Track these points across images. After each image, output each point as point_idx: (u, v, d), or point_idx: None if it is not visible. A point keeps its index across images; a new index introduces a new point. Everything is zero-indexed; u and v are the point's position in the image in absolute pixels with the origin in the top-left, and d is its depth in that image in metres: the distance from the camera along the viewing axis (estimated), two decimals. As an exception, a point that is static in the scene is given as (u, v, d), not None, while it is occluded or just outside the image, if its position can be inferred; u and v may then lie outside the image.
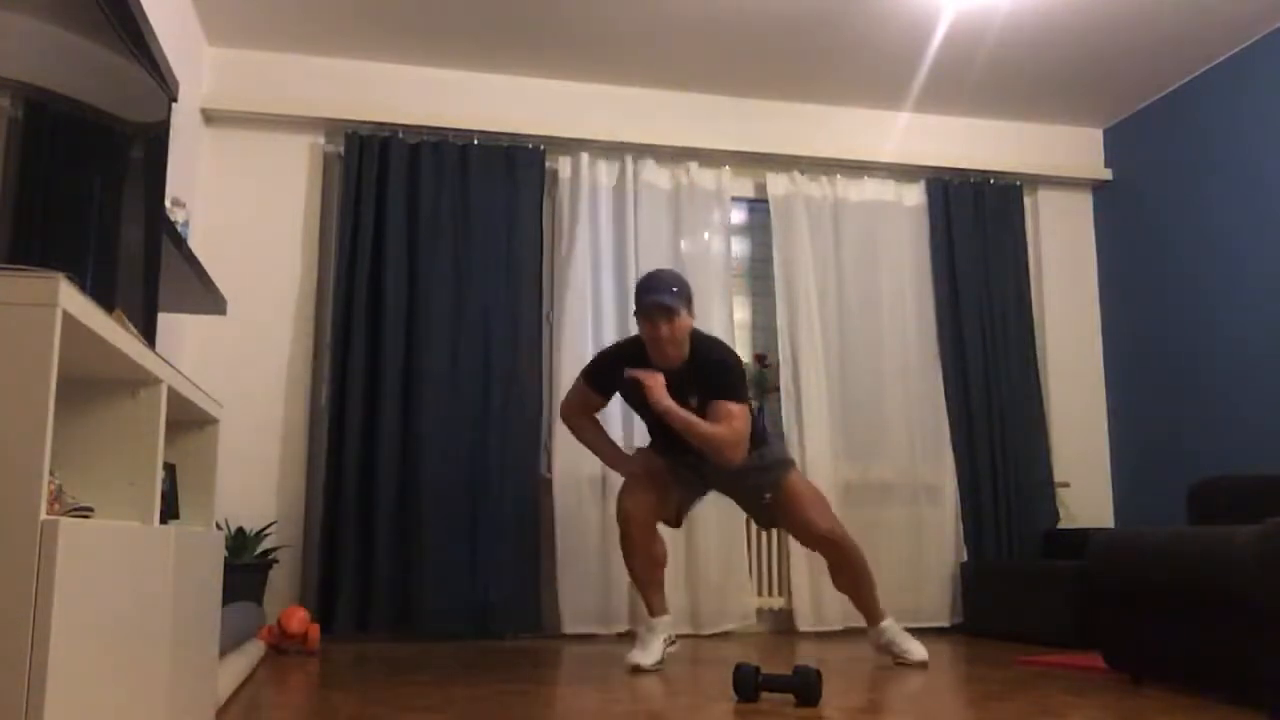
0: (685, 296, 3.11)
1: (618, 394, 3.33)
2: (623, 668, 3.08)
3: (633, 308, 3.17)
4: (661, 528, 3.31)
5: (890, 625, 3.30)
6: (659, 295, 3.04)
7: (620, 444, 3.71)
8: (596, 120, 4.49)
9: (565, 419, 3.42)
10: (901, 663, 3.22)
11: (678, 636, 4.07)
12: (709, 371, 3.13)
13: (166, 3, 3.50)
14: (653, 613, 3.22)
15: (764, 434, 3.31)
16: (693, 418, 3.06)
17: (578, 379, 3.36)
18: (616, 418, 4.10)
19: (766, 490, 3.26)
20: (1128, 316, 4.77)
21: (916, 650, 3.22)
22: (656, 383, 3.07)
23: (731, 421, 3.04)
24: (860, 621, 4.30)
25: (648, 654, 3.09)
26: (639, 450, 3.44)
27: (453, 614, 3.94)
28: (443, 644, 3.82)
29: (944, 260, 4.67)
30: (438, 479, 4.00)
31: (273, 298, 4.17)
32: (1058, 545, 4.39)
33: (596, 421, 3.42)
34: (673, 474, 3.29)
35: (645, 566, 3.22)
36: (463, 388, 4.10)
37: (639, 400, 3.20)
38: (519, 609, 4.00)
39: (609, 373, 3.25)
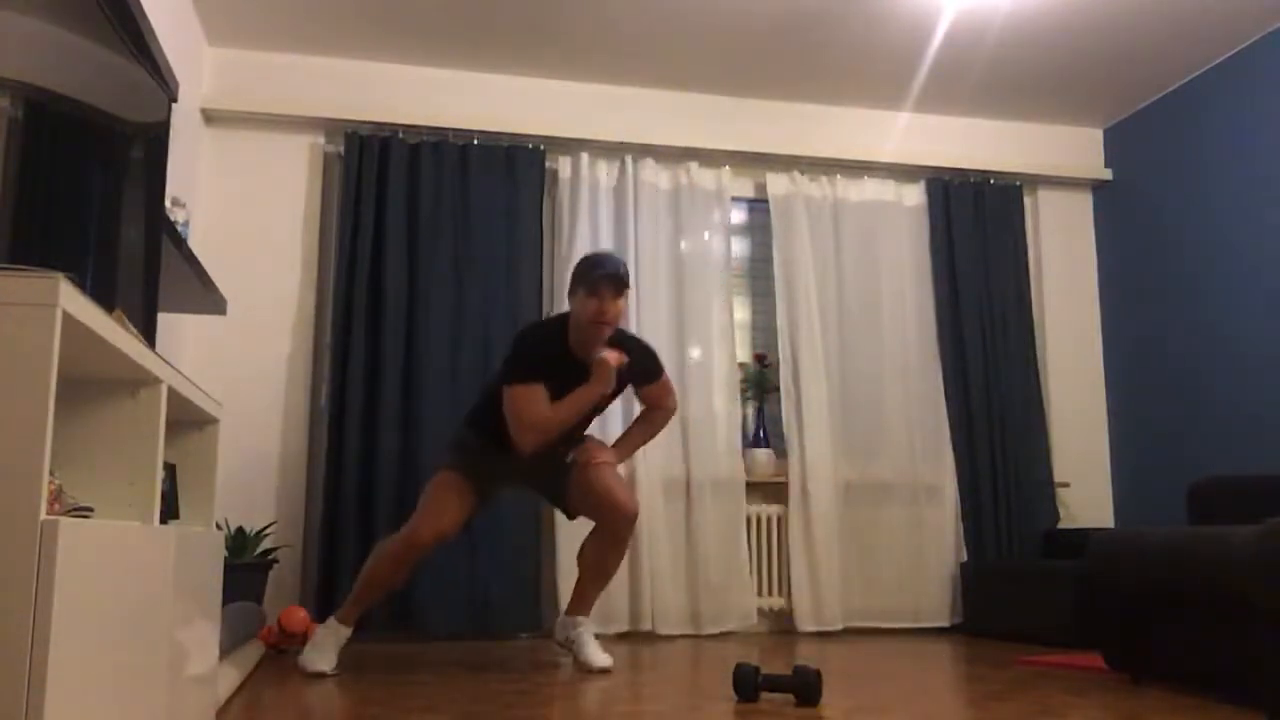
0: (628, 280, 3.03)
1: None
2: (625, 667, 3.08)
3: (568, 288, 3.04)
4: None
5: (587, 623, 3.17)
6: (612, 269, 2.96)
7: (606, 438, 3.64)
8: (596, 120, 4.49)
9: (539, 426, 2.97)
10: (578, 664, 3.10)
11: (667, 638, 4.06)
12: (639, 356, 3.14)
13: (166, 3, 3.50)
14: (346, 620, 3.07)
15: None
16: (648, 438, 3.30)
17: (522, 388, 2.97)
18: (617, 415, 4.10)
19: (570, 456, 3.15)
20: (1128, 316, 4.77)
21: (597, 657, 3.07)
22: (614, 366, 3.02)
23: (673, 392, 3.30)
24: (862, 622, 4.33)
25: (325, 658, 2.97)
26: (456, 461, 3.14)
27: (453, 614, 3.94)
28: (443, 644, 3.82)
29: (944, 260, 4.67)
30: (438, 479, 4.00)
31: (273, 298, 4.17)
32: (1058, 545, 4.39)
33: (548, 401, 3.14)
34: (491, 478, 3.15)
35: (389, 585, 3.08)
36: (462, 388, 4.10)
37: (560, 388, 3.01)
38: (519, 609, 4.00)
39: (539, 361, 3.03)
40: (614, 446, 3.24)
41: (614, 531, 3.07)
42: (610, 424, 4.01)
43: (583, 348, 3.03)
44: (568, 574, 4.07)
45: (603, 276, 2.94)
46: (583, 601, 3.20)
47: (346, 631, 3.08)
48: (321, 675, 2.92)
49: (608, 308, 2.95)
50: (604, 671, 3.03)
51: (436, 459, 3.33)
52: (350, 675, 2.90)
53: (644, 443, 3.32)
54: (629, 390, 3.27)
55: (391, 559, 3.03)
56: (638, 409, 3.32)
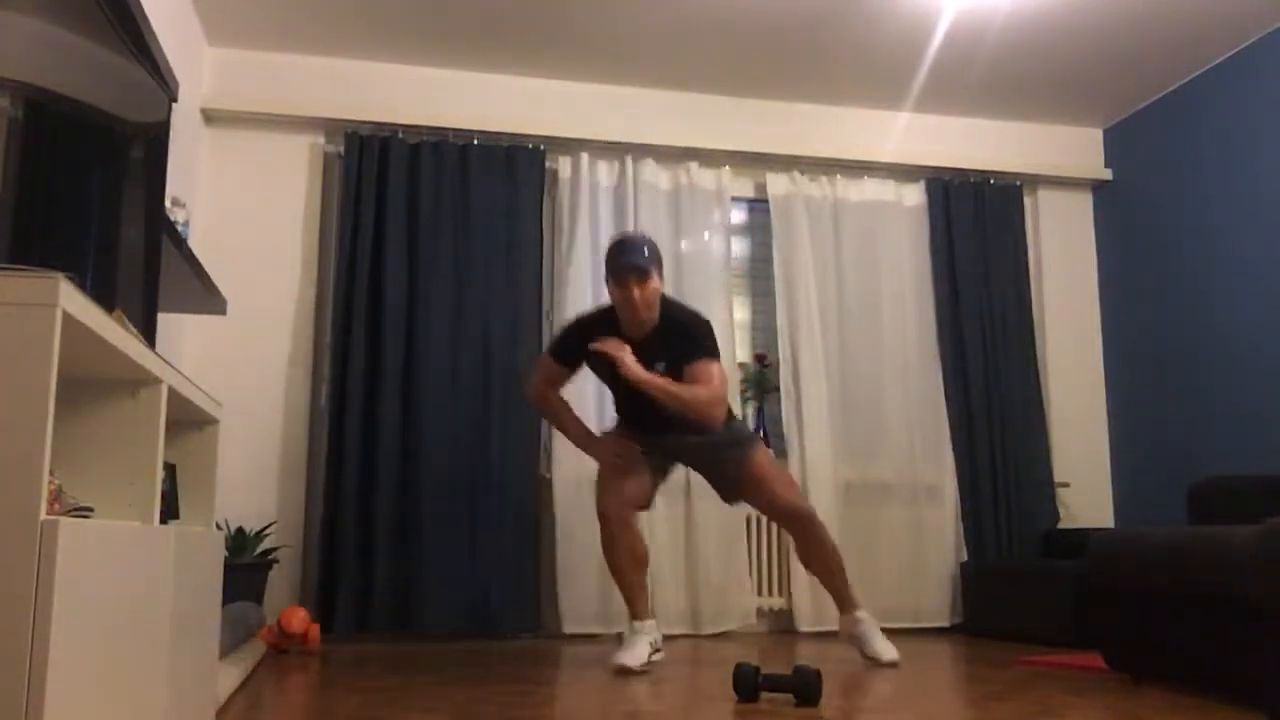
0: (656, 259, 3.09)
1: (587, 369, 3.28)
2: (642, 672, 3.08)
3: (603, 273, 3.13)
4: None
5: (865, 617, 3.27)
6: (632, 257, 3.03)
7: (593, 425, 3.67)
8: (596, 120, 4.49)
9: (533, 400, 3.38)
10: (870, 660, 3.20)
11: (667, 637, 4.06)
12: (679, 334, 3.12)
13: (166, 3, 3.50)
14: (636, 615, 3.18)
15: (731, 410, 3.31)
16: (671, 384, 3.04)
17: (543, 357, 3.32)
18: (590, 395, 4.08)
19: (732, 463, 3.24)
20: (1128, 316, 4.77)
21: (887, 650, 3.18)
22: (625, 353, 3.04)
23: (710, 381, 3.04)
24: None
25: (633, 655, 3.05)
26: (606, 434, 3.36)
27: (453, 614, 3.94)
28: (443, 644, 3.82)
29: (944, 260, 4.67)
30: (438, 479, 4.00)
31: (273, 298, 4.17)
32: (1058, 545, 4.39)
33: (564, 401, 3.37)
34: (643, 455, 3.26)
35: (628, 565, 3.17)
36: (463, 388, 4.10)
37: (609, 374, 3.15)
38: (519, 609, 4.00)
39: (575, 343, 3.18)
40: (646, 376, 3.06)
41: (803, 535, 3.24)
42: (584, 404, 4.00)
43: (631, 327, 3.12)
44: (567, 574, 4.07)
45: (624, 266, 3.03)
46: (840, 598, 3.30)
47: (641, 624, 3.16)
48: (629, 671, 2.98)
49: (633, 294, 3.04)
50: (893, 665, 3.13)
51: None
52: (351, 675, 2.90)
53: (669, 391, 3.04)
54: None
55: (606, 546, 3.18)
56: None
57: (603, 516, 3.17)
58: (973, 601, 4.28)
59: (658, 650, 3.21)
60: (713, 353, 3.10)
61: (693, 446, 3.27)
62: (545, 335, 4.27)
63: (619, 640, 3.92)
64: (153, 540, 1.45)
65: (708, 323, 3.18)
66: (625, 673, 2.99)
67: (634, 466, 3.24)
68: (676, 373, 3.08)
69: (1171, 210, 4.53)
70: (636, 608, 3.19)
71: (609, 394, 3.39)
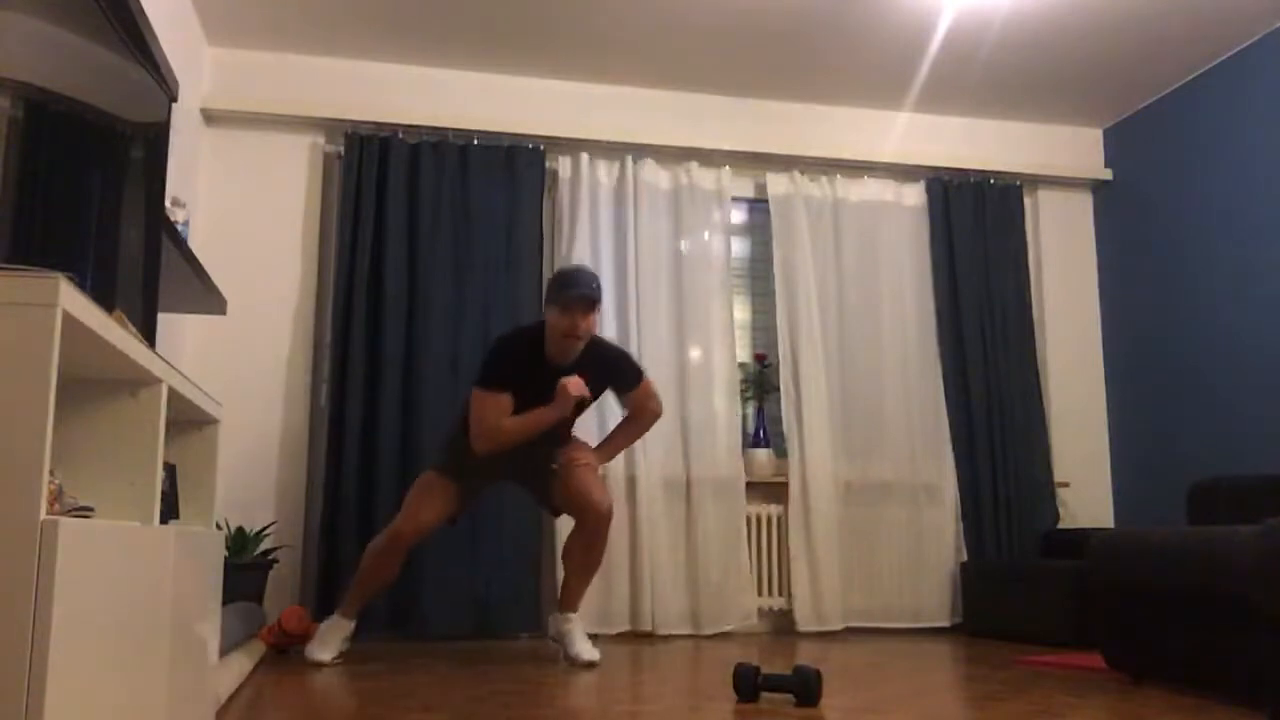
0: (600, 293, 3.20)
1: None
2: (625, 667, 3.08)
3: (544, 300, 3.24)
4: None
5: (577, 620, 3.32)
6: (583, 289, 3.12)
7: (592, 439, 3.76)
8: (596, 120, 4.49)
9: (493, 436, 3.14)
10: (566, 658, 3.24)
11: (667, 637, 4.06)
12: (609, 367, 3.31)
13: (166, 3, 3.50)
14: (347, 613, 3.31)
15: None
16: (628, 436, 3.44)
17: (487, 394, 3.15)
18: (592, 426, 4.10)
19: (554, 461, 3.31)
20: (1128, 317, 4.77)
21: (586, 650, 3.21)
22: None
23: (654, 395, 3.40)
24: (862, 622, 4.33)
25: (326, 649, 3.20)
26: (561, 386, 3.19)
27: (453, 614, 3.94)
28: (443, 644, 3.82)
29: (944, 260, 4.67)
30: (438, 479, 4.00)
31: (273, 298, 4.17)
32: (1058, 545, 4.39)
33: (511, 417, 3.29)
34: (476, 475, 3.31)
35: (382, 580, 3.31)
36: (462, 387, 4.09)
37: (531, 404, 3.18)
38: (519, 609, 4.00)
39: (510, 370, 3.18)
40: (598, 448, 3.44)
41: (591, 529, 3.24)
42: (608, 421, 4.01)
43: (559, 355, 3.21)
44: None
45: (575, 297, 3.11)
46: (570, 597, 3.36)
47: (348, 624, 3.31)
48: (321, 664, 3.15)
49: (579, 324, 3.14)
50: (590, 665, 3.16)
51: (431, 457, 3.49)
52: (350, 675, 2.90)
53: (628, 444, 3.50)
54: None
55: (379, 554, 3.28)
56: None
57: (395, 540, 3.24)
58: (973, 601, 4.28)
59: (341, 658, 3.29)
60: (643, 371, 3.39)
61: (524, 456, 3.30)
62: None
63: (619, 639, 3.92)
64: (153, 540, 1.45)
65: (627, 353, 3.45)
66: (319, 665, 3.12)
67: (450, 496, 3.27)
68: (597, 395, 3.30)
69: (1171, 210, 4.53)
70: (354, 607, 3.31)
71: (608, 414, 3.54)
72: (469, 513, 3.75)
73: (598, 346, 3.31)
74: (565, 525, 4.09)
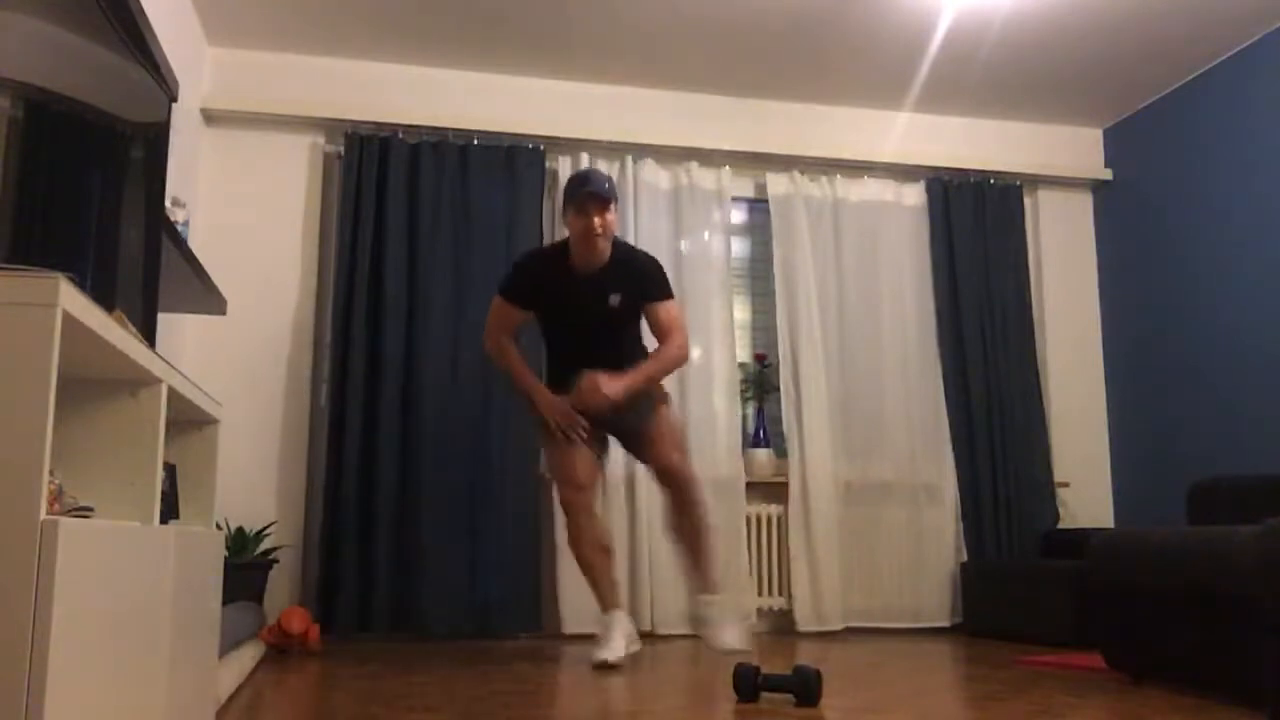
0: (614, 193, 3.20)
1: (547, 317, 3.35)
2: (620, 668, 3.08)
3: (560, 208, 3.25)
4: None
5: (716, 603, 3.26)
6: (593, 186, 3.14)
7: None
8: (596, 120, 4.49)
9: (491, 349, 3.38)
10: (715, 650, 3.20)
11: (667, 637, 4.06)
12: (636, 271, 3.25)
13: (166, 3, 3.50)
14: (606, 608, 3.23)
15: (648, 351, 3.40)
16: (651, 370, 3.23)
17: (500, 301, 3.33)
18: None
19: (634, 414, 3.27)
20: (1128, 317, 4.77)
21: (730, 638, 3.17)
22: (596, 382, 3.14)
23: (675, 327, 3.26)
24: (862, 622, 4.33)
25: (612, 649, 3.07)
26: (554, 399, 3.30)
27: (453, 614, 3.94)
28: (443, 644, 3.82)
29: (944, 260, 4.67)
30: (438, 479, 4.00)
31: (273, 297, 4.17)
32: (1058, 545, 4.39)
33: (518, 352, 3.40)
34: (589, 430, 3.28)
35: (595, 554, 3.24)
36: (463, 388, 4.10)
37: (565, 321, 3.24)
38: (519, 609, 4.00)
39: (529, 282, 3.26)
40: (625, 375, 3.21)
41: (674, 493, 3.25)
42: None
43: (584, 262, 3.21)
44: (567, 574, 4.07)
45: (587, 194, 3.14)
46: (696, 576, 3.29)
47: (616, 615, 3.19)
48: (607, 665, 3.01)
49: (594, 223, 3.14)
50: (733, 653, 3.11)
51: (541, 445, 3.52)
52: (351, 675, 2.90)
53: (651, 376, 3.27)
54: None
55: (574, 538, 3.23)
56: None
57: (567, 508, 3.23)
58: (973, 601, 4.28)
59: (635, 641, 3.25)
60: (670, 292, 3.29)
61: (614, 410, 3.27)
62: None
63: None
64: (153, 540, 1.45)
65: (659, 264, 3.34)
66: (606, 668, 3.00)
67: (579, 448, 3.25)
68: (633, 307, 3.25)
69: (1171, 210, 4.53)
70: (606, 599, 3.24)
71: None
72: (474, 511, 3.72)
73: (629, 253, 3.30)
74: (563, 523, 4.09)
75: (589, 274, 3.23)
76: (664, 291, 3.30)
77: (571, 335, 3.31)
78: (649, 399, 3.33)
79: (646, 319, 3.32)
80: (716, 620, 3.21)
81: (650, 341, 3.41)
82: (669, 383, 4.25)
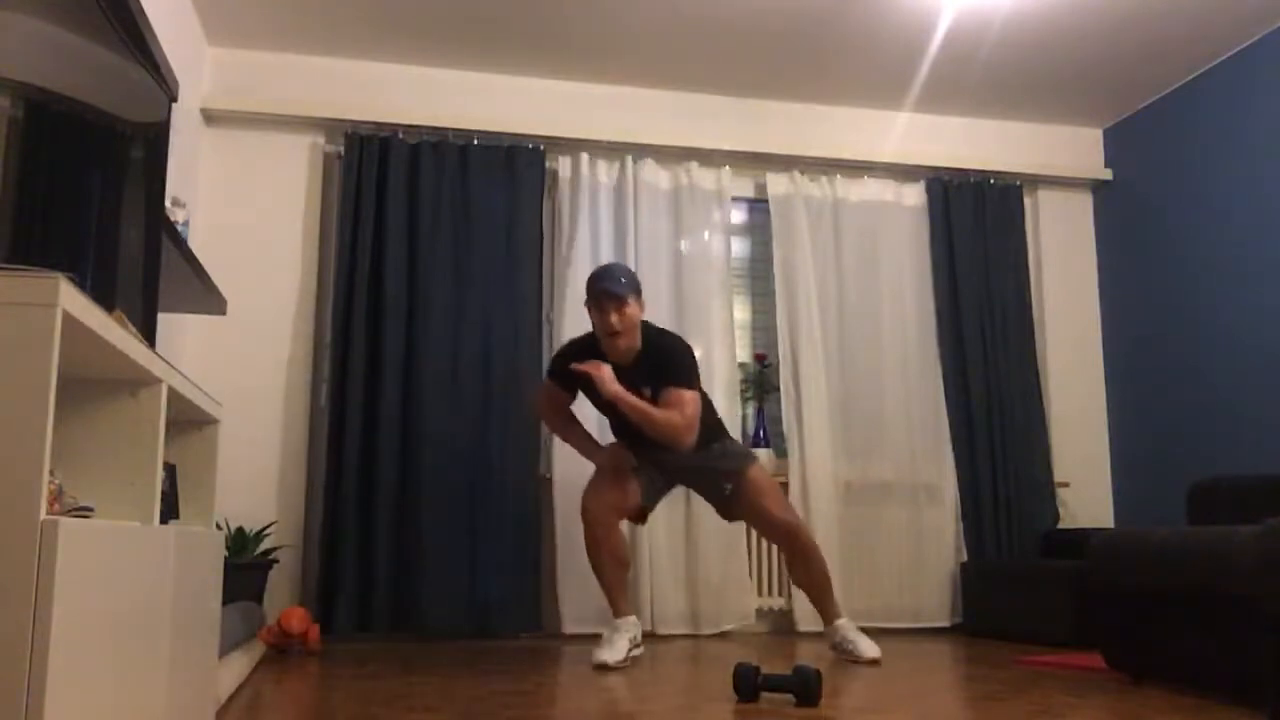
0: (634, 287, 3.23)
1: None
2: (620, 668, 3.08)
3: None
4: (626, 527, 3.47)
5: (845, 624, 3.40)
6: (608, 283, 3.18)
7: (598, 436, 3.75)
8: (596, 120, 4.49)
9: (539, 417, 3.60)
10: (852, 660, 3.28)
11: (667, 637, 4.06)
12: (659, 359, 3.24)
13: (166, 3, 3.50)
14: (617, 613, 3.30)
15: (722, 426, 3.48)
16: (644, 404, 3.16)
17: (545, 383, 3.53)
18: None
19: (728, 481, 3.37)
20: (1128, 317, 4.77)
21: (868, 648, 3.29)
22: (603, 372, 3.17)
23: (683, 408, 3.14)
24: (862, 622, 4.31)
25: (614, 651, 3.14)
26: (610, 444, 3.49)
27: (453, 614, 3.94)
28: (443, 644, 3.82)
29: (944, 260, 4.67)
30: (438, 479, 4.00)
31: (273, 298, 4.17)
32: (1058, 545, 4.39)
33: (571, 415, 3.51)
34: (639, 469, 3.37)
35: (609, 565, 3.30)
36: (463, 388, 4.10)
37: (594, 392, 3.27)
38: (519, 609, 4.00)
39: (567, 375, 3.34)
40: (623, 393, 3.17)
41: (790, 547, 3.39)
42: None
43: (613, 354, 3.25)
44: (567, 574, 4.07)
45: (598, 291, 3.19)
46: (824, 612, 3.45)
47: (622, 621, 3.26)
48: (604, 667, 3.07)
49: (612, 320, 3.18)
50: (873, 662, 3.22)
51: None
52: (351, 675, 2.90)
53: (643, 412, 3.15)
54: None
55: (589, 546, 3.28)
56: None
57: (586, 515, 3.27)
58: (972, 601, 4.28)
59: (637, 646, 3.31)
60: (688, 381, 3.21)
61: (689, 466, 3.38)
62: (545, 335, 4.28)
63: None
64: (153, 540, 1.45)
65: (690, 350, 3.31)
66: (604, 669, 3.05)
67: (625, 474, 3.34)
68: (656, 399, 3.19)
69: (1171, 210, 4.53)
70: (617, 606, 3.31)
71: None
72: (647, 512, 3.66)
73: (659, 340, 3.29)
74: (563, 524, 4.09)
75: (621, 365, 3.25)
76: (683, 380, 3.19)
77: (615, 417, 3.34)
78: (736, 460, 3.39)
79: (659, 400, 3.18)
80: (853, 638, 3.34)
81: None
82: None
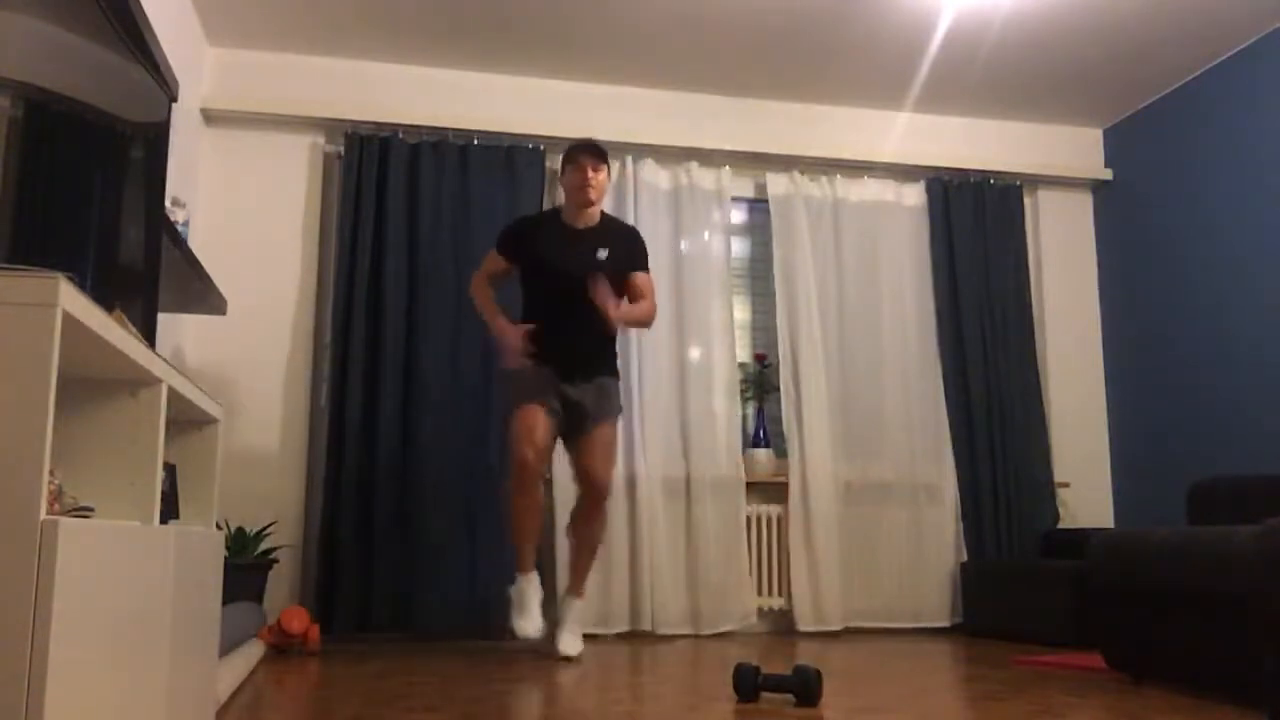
0: (607, 159, 3.48)
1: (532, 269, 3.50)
2: (625, 667, 3.08)
3: (560, 177, 3.50)
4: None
5: (578, 606, 3.46)
6: (590, 142, 3.47)
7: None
8: (596, 120, 4.49)
9: (473, 287, 3.59)
10: (553, 648, 3.37)
11: (667, 637, 4.06)
12: (625, 238, 3.53)
13: (166, 3, 3.50)
14: (524, 568, 3.35)
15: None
16: (639, 313, 3.44)
17: (491, 251, 3.57)
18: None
19: (591, 417, 3.40)
20: (1128, 317, 4.77)
21: (569, 643, 3.34)
22: (619, 310, 3.35)
23: (652, 294, 3.53)
24: (862, 622, 4.34)
25: (532, 620, 3.26)
26: (518, 327, 3.44)
27: (453, 614, 3.94)
28: (443, 644, 3.82)
29: (944, 260, 4.67)
30: (438, 478, 4.00)
31: (273, 298, 4.17)
32: (1058, 545, 4.39)
33: (491, 295, 3.57)
34: (545, 392, 3.39)
35: (531, 510, 3.34)
36: (462, 387, 4.10)
37: (554, 281, 3.39)
38: (519, 609, 4.00)
39: (518, 234, 3.51)
40: (624, 309, 3.40)
41: (591, 503, 3.43)
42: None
43: (575, 217, 3.47)
44: (567, 574, 4.06)
45: (582, 147, 3.44)
46: (574, 577, 3.50)
47: (530, 577, 3.33)
48: (530, 639, 3.27)
49: (588, 174, 3.41)
50: (566, 660, 3.26)
51: (505, 409, 3.60)
52: (350, 675, 2.90)
53: (640, 318, 3.48)
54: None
55: (516, 489, 3.30)
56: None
57: (520, 466, 3.28)
58: (972, 601, 4.28)
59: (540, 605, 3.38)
60: (647, 265, 3.55)
61: (591, 387, 3.42)
62: (545, 335, 4.28)
63: (619, 640, 3.92)
64: (153, 540, 1.45)
65: (642, 237, 3.63)
66: (527, 639, 3.26)
67: (540, 414, 3.33)
68: (618, 268, 3.44)
69: (1171, 210, 4.53)
70: (525, 558, 3.36)
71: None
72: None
73: (616, 221, 3.61)
74: (563, 523, 4.09)
75: (579, 230, 3.45)
76: (645, 263, 3.55)
77: (554, 293, 3.42)
78: (613, 402, 3.49)
79: (628, 285, 3.49)
80: (568, 623, 3.41)
81: None
82: (661, 384, 4.26)
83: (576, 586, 3.49)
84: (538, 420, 3.32)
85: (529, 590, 3.32)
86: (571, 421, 3.43)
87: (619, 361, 3.62)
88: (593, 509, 3.44)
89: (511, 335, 3.39)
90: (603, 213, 3.57)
